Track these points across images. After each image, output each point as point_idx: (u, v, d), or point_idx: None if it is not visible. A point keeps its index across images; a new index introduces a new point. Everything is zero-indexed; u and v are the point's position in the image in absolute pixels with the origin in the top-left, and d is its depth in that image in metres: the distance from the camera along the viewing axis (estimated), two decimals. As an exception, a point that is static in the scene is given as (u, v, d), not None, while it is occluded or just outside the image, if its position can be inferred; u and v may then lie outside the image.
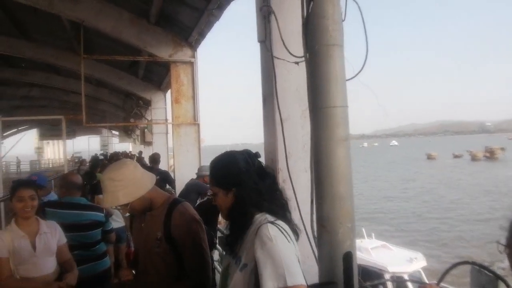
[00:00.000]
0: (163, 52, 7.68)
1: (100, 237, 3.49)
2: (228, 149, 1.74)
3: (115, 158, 10.22)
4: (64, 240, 2.87)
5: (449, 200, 29.00)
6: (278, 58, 2.69)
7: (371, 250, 10.04)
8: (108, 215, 3.80)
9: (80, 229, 3.30)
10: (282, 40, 2.58)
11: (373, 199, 29.96)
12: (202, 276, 1.96)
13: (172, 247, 1.95)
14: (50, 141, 47.21)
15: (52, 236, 2.77)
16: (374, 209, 26.17)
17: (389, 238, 14.17)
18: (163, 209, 2.02)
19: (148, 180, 2.02)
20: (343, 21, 2.09)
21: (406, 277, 9.14)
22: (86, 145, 33.24)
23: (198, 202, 5.30)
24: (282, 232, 1.45)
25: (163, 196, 2.10)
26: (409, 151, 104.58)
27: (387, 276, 8.98)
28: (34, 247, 2.65)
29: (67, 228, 3.00)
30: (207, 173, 6.63)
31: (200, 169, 6.27)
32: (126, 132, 26.17)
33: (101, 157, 15.11)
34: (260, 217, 1.53)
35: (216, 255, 4.85)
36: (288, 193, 1.76)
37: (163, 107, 12.83)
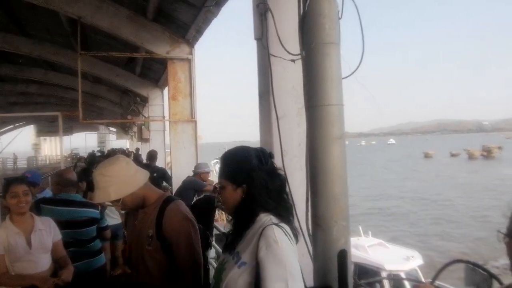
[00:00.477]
0: (161, 49, 7.65)
1: (95, 234, 3.50)
2: (226, 147, 1.72)
3: (112, 155, 10.18)
4: (59, 236, 2.86)
5: (444, 197, 29.14)
6: (274, 56, 2.68)
7: (368, 248, 10.03)
8: (103, 210, 3.78)
9: (76, 226, 3.29)
10: (279, 38, 2.57)
11: (369, 197, 30.04)
12: (192, 276, 1.93)
13: (163, 245, 1.92)
14: (47, 138, 47.05)
15: (47, 232, 2.76)
16: (370, 207, 26.27)
17: (386, 236, 14.21)
18: (156, 206, 1.99)
19: (140, 177, 2.00)
20: (339, 19, 2.09)
21: (403, 275, 9.16)
22: (83, 141, 33.13)
23: (195, 199, 5.31)
24: (287, 236, 1.45)
25: (156, 193, 2.07)
26: (406, 150, 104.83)
27: (383, 274, 8.99)
28: (29, 244, 2.65)
29: (63, 225, 2.99)
30: (204, 170, 6.65)
31: (197, 166, 6.27)
32: (124, 129, 26.05)
33: (98, 154, 15.07)
34: (265, 217, 1.52)
35: (212, 253, 4.84)
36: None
37: (160, 104, 12.77)
